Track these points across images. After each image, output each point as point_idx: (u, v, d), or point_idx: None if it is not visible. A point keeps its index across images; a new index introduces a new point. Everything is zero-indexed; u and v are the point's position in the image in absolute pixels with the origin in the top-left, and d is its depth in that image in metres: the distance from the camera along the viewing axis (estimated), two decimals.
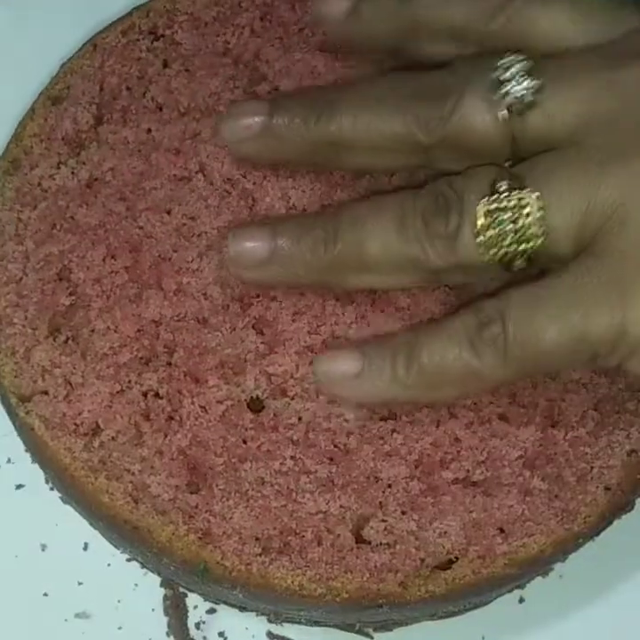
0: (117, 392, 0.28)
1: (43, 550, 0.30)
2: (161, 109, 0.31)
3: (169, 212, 0.30)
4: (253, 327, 0.29)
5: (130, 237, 0.30)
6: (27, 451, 0.29)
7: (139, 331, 0.29)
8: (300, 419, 0.28)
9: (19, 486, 0.31)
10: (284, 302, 0.29)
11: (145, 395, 0.28)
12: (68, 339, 0.29)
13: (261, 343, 0.29)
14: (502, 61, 0.26)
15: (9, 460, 0.31)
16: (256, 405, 0.28)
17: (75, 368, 0.28)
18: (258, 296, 0.29)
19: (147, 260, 0.29)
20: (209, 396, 0.28)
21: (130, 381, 0.28)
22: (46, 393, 0.28)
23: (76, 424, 0.28)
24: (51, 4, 0.34)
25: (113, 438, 0.28)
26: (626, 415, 0.28)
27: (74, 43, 0.33)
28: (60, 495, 0.30)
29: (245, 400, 0.28)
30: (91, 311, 0.29)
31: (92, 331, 0.29)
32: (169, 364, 0.28)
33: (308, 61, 0.32)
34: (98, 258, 0.29)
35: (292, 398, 0.28)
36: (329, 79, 0.32)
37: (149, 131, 0.31)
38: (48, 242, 0.30)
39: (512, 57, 0.26)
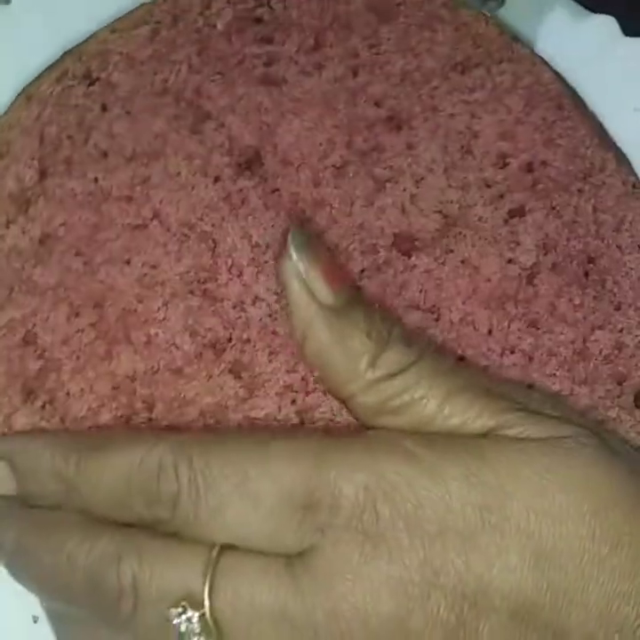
0: None
1: (34, 622, 0.30)
2: (106, 156, 0.31)
3: (128, 263, 0.30)
4: (230, 371, 0.29)
5: (91, 293, 0.29)
6: None
7: (114, 388, 0.29)
8: None
9: None
10: (257, 343, 0.29)
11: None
12: (44, 403, 0.29)
13: (240, 388, 0.29)
14: (173, 612, 0.24)
15: None
16: None
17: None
18: (230, 340, 0.29)
19: (111, 314, 0.29)
20: None
21: None
22: None
23: None
24: None
25: None
26: (608, 423, 0.29)
27: (7, 95, 0.32)
28: None
29: None
30: (63, 374, 0.29)
31: (68, 393, 0.29)
32: (150, 419, 0.28)
33: (253, 96, 0.32)
34: (62, 318, 0.29)
35: None
36: (276, 115, 0.32)
37: (96, 180, 0.31)
38: (8, 307, 0.29)
39: (182, 612, 0.24)
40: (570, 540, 0.24)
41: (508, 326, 0.30)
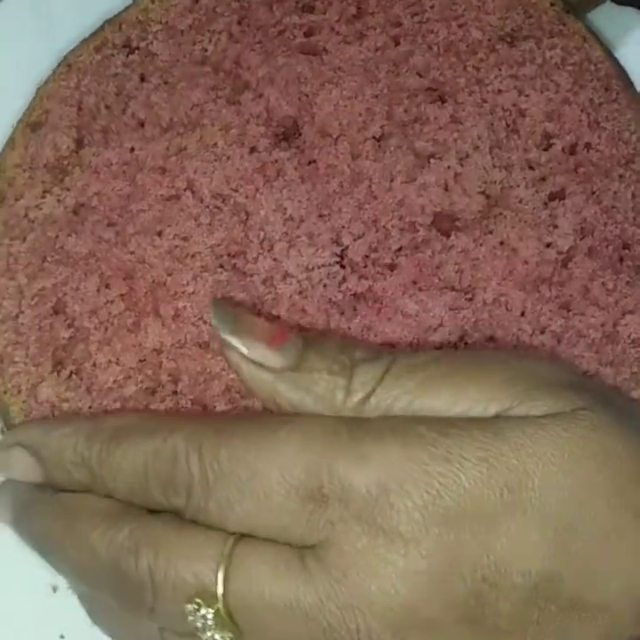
0: None
1: (54, 591, 0.31)
2: (143, 126, 0.32)
3: (160, 235, 0.30)
4: None
5: (122, 264, 0.30)
6: None
7: (141, 361, 0.29)
8: None
9: None
10: (287, 320, 0.29)
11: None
12: (71, 373, 0.29)
13: None
14: (189, 608, 0.24)
15: None
16: None
17: (82, 403, 0.29)
18: (259, 315, 0.29)
19: (141, 286, 0.30)
20: None
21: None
22: None
23: None
24: (17, 27, 0.34)
25: None
26: (632, 404, 0.29)
27: (48, 64, 0.33)
28: None
29: None
30: (90, 345, 0.29)
31: (94, 364, 0.29)
32: (175, 392, 0.29)
33: (292, 66, 0.32)
34: (92, 288, 0.30)
35: None
36: (315, 85, 0.32)
37: (133, 150, 0.31)
38: (40, 275, 0.30)
39: (197, 608, 0.24)
40: (591, 512, 0.23)
41: (541, 308, 0.30)
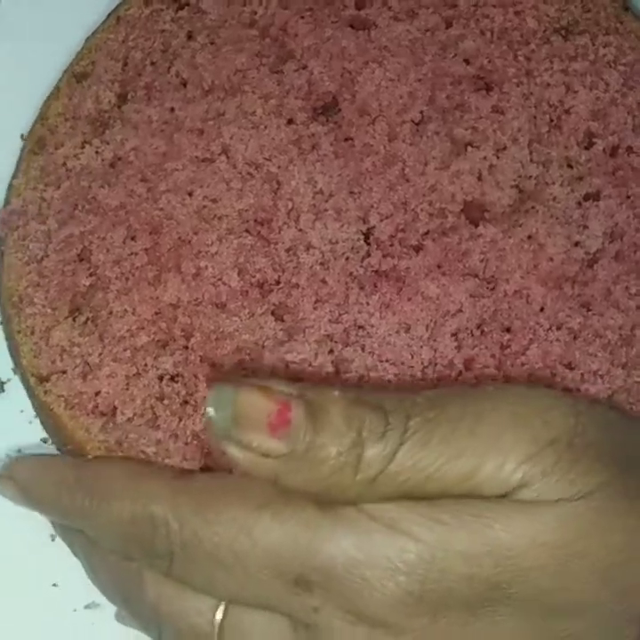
0: (134, 375, 0.30)
1: (52, 540, 0.32)
2: (185, 86, 0.33)
3: (190, 194, 0.31)
4: (272, 314, 0.30)
5: (150, 219, 0.31)
6: (44, 429, 0.31)
7: (156, 313, 0.30)
8: None
9: None
10: (305, 289, 0.30)
11: (160, 379, 0.30)
12: (87, 320, 0.30)
13: (280, 330, 0.30)
14: None
15: (19, 451, 0.33)
16: None
17: (92, 349, 0.30)
18: (278, 282, 0.30)
19: (166, 242, 0.31)
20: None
21: (146, 365, 0.30)
22: (64, 372, 0.30)
23: (94, 404, 0.29)
24: None
25: (129, 420, 0.29)
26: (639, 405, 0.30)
27: (97, 15, 0.34)
28: None
29: None
30: (109, 293, 0.30)
31: (110, 313, 0.30)
32: (185, 347, 0.30)
33: (339, 40, 0.33)
34: (118, 239, 0.31)
35: None
36: (359, 62, 0.33)
37: (173, 110, 0.33)
38: (70, 222, 0.31)
39: None
40: (575, 594, 0.24)
41: (561, 305, 0.30)
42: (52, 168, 0.32)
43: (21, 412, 0.32)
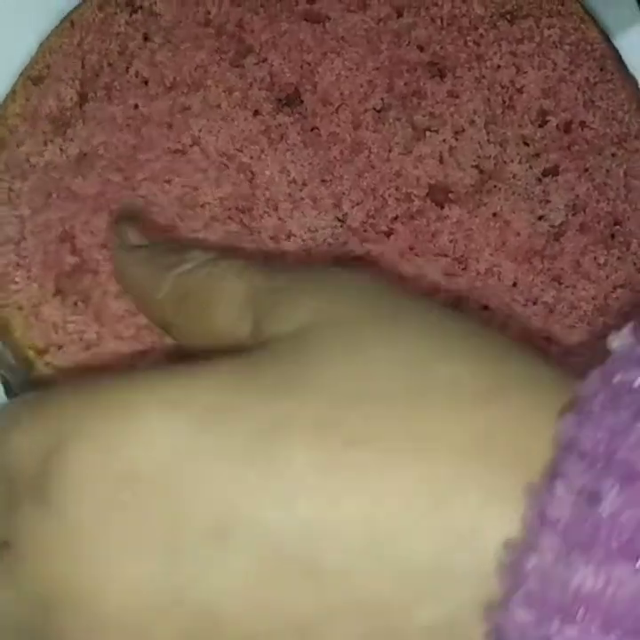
0: (140, 352, 0.29)
1: None
2: (146, 84, 0.33)
3: (169, 182, 0.31)
4: None
5: (133, 205, 0.31)
6: None
7: None
8: None
9: None
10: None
11: (168, 357, 0.29)
12: (76, 301, 0.30)
13: None
14: None
15: None
16: None
17: (87, 327, 0.29)
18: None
19: (153, 227, 0.31)
20: None
21: (153, 342, 0.29)
22: (62, 346, 0.29)
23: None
24: None
25: None
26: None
27: (51, 20, 0.33)
28: None
29: None
30: (100, 274, 0.30)
31: (105, 292, 0.30)
32: None
33: (295, 33, 0.33)
34: (101, 224, 0.30)
35: None
36: (318, 54, 0.33)
37: (137, 106, 0.32)
38: (45, 209, 0.31)
39: None
40: None
41: (533, 280, 0.31)
42: (16, 163, 0.31)
43: None
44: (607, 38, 0.35)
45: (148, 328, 0.29)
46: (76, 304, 0.30)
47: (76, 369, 0.29)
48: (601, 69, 0.34)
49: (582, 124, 0.34)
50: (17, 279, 0.30)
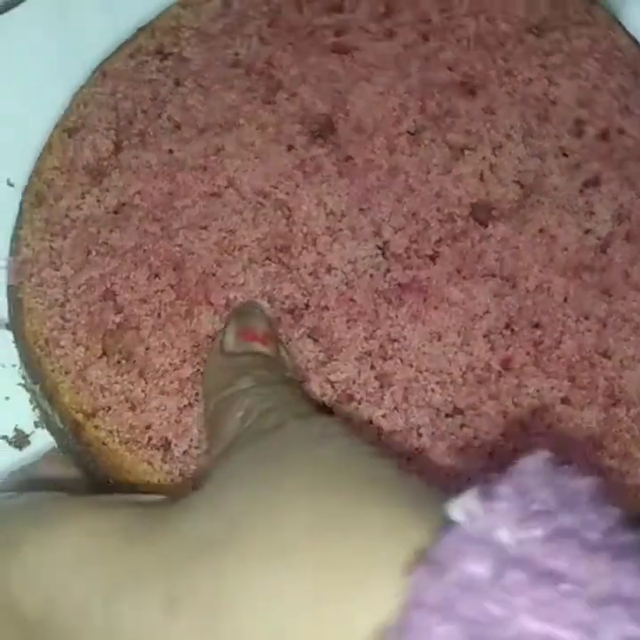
0: (185, 406, 0.29)
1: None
2: (179, 128, 0.32)
3: (206, 228, 0.30)
4: (309, 336, 0.29)
5: (171, 256, 0.30)
6: (89, 468, 0.29)
7: (195, 346, 0.29)
8: (371, 421, 0.28)
9: None
10: (336, 310, 0.30)
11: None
12: (120, 360, 0.29)
13: (320, 352, 0.29)
14: None
15: None
16: (324, 411, 0.29)
17: (133, 386, 0.29)
18: (307, 306, 0.30)
19: (191, 276, 0.30)
20: None
21: (197, 394, 0.29)
22: (110, 408, 0.29)
23: (148, 437, 0.28)
24: (52, 35, 0.35)
25: (185, 452, 0.28)
26: None
27: (83, 72, 0.33)
28: None
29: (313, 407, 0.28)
30: (142, 330, 0.29)
31: (147, 348, 0.29)
32: None
33: (324, 65, 0.33)
34: (142, 278, 0.30)
35: (360, 402, 0.29)
36: (348, 82, 0.32)
37: (171, 151, 0.32)
38: (86, 267, 0.30)
39: None
40: None
41: (583, 294, 0.30)
42: (56, 219, 0.31)
43: None
44: (637, 43, 0.34)
45: (190, 380, 0.29)
46: (119, 362, 0.29)
47: (123, 429, 0.28)
48: (635, 75, 0.33)
49: (620, 130, 0.32)
50: (62, 342, 0.29)
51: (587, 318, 0.30)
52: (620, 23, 0.34)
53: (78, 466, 0.29)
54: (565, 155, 0.32)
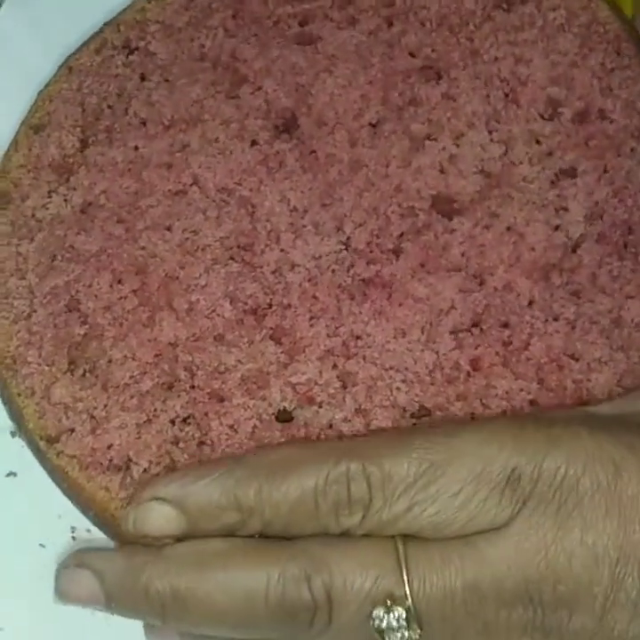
0: (145, 422, 0.28)
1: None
2: (145, 125, 0.31)
3: (169, 229, 0.30)
4: (271, 338, 0.28)
5: (134, 260, 0.29)
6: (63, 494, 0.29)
7: (156, 355, 0.28)
8: (330, 426, 0.28)
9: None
10: (298, 308, 0.29)
11: (173, 422, 0.28)
12: (85, 372, 0.28)
13: (281, 353, 0.28)
14: (377, 613, 0.25)
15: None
16: (285, 417, 0.28)
17: (96, 401, 0.28)
18: (270, 305, 0.29)
19: (154, 281, 0.29)
20: (236, 414, 0.28)
21: (156, 410, 0.28)
22: (73, 431, 0.28)
23: (108, 459, 0.28)
24: (14, 34, 0.33)
25: (145, 470, 0.27)
26: None
27: (48, 68, 0.32)
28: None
29: (273, 413, 0.28)
30: (105, 341, 0.29)
31: (110, 361, 0.28)
32: (192, 386, 0.28)
33: (288, 57, 0.32)
34: (105, 285, 0.29)
35: (320, 405, 0.28)
36: (311, 75, 0.31)
37: (137, 148, 0.31)
38: (51, 274, 0.29)
39: (386, 610, 0.25)
40: None
41: (551, 295, 0.29)
42: (22, 221, 0.30)
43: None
44: (621, 17, 0.30)
45: (150, 394, 0.28)
46: (84, 375, 0.28)
47: (85, 453, 0.28)
48: (617, 53, 0.30)
49: (601, 113, 0.29)
50: (29, 359, 0.28)
51: (556, 320, 0.28)
52: None
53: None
54: (538, 142, 0.29)
